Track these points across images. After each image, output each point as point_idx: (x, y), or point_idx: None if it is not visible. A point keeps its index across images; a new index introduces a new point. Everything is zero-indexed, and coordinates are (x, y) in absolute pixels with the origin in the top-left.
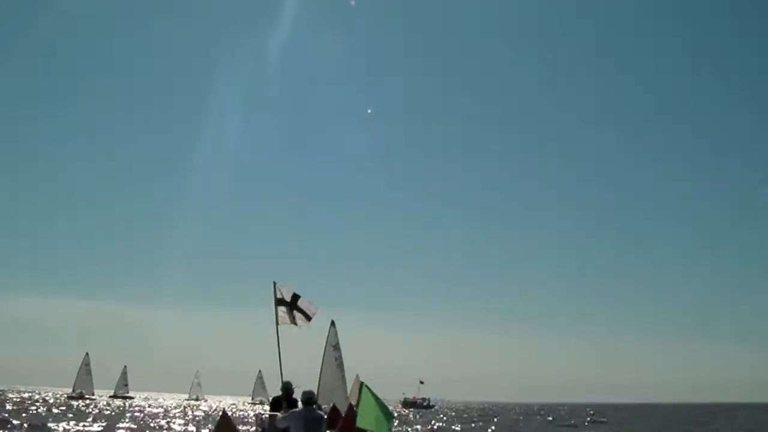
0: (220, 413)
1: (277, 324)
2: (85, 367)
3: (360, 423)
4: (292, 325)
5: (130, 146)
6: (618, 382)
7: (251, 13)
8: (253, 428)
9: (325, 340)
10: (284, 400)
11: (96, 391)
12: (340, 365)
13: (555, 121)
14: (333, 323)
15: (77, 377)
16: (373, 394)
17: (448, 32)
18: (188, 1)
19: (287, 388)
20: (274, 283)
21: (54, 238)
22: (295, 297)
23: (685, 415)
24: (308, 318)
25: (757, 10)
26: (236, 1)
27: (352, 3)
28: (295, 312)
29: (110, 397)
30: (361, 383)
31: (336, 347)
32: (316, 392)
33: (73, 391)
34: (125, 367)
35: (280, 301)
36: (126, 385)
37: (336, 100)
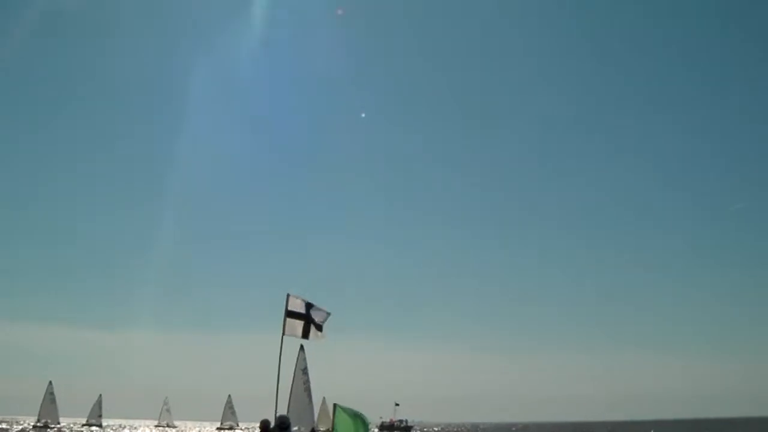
0: None
1: (283, 334)
2: (49, 396)
3: None
4: (292, 338)
5: (102, 164)
6: (606, 399)
7: (229, 15)
8: None
9: (295, 364)
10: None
11: (66, 419)
12: (308, 389)
13: (553, 130)
14: (302, 347)
15: (42, 406)
16: (347, 412)
17: (441, 34)
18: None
19: (283, 421)
20: (288, 295)
21: (23, 261)
22: (309, 306)
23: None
24: (319, 327)
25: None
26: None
27: (340, 12)
28: (310, 326)
29: (83, 425)
30: (334, 405)
31: (305, 371)
32: (276, 413)
33: (38, 420)
34: (100, 396)
35: (291, 314)
36: (100, 416)
37: (330, 103)
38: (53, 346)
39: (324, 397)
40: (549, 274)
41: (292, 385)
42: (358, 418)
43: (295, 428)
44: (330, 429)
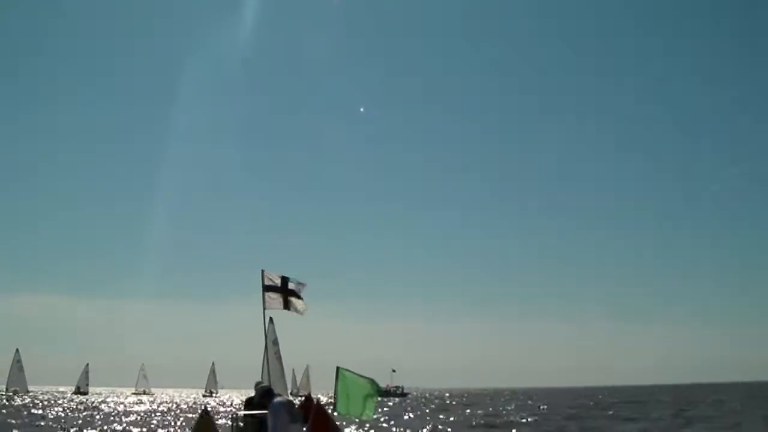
0: (201, 411)
1: (264, 309)
2: (17, 364)
3: (342, 409)
4: (277, 310)
5: (99, 141)
6: (600, 366)
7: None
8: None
9: (264, 336)
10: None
11: (61, 388)
12: (279, 358)
13: (549, 117)
14: (271, 320)
15: (9, 374)
16: (350, 374)
17: (440, 30)
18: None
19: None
20: (262, 271)
21: (18, 234)
22: (284, 280)
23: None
24: (298, 297)
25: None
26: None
27: (336, 1)
28: (290, 298)
29: (73, 393)
30: (337, 368)
31: (275, 342)
32: (256, 383)
33: (7, 389)
34: (87, 365)
35: (268, 288)
36: (87, 384)
37: (327, 96)
38: (32, 316)
39: (307, 365)
40: (548, 244)
41: (264, 355)
42: (365, 380)
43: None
44: (333, 397)
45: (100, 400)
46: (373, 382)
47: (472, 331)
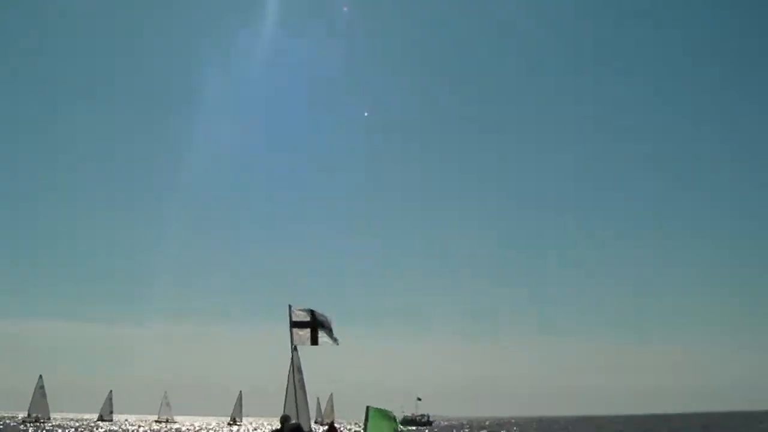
0: None
1: (291, 344)
2: (40, 390)
3: None
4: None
5: (114, 159)
6: (630, 392)
7: (242, 14)
8: None
9: (290, 364)
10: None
11: (85, 416)
12: (302, 387)
13: (555, 123)
14: (295, 348)
15: (32, 400)
16: (380, 413)
17: (445, 35)
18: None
19: (286, 421)
20: (290, 306)
21: (33, 257)
22: (312, 314)
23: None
24: (330, 331)
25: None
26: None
27: (345, 9)
28: (318, 331)
29: (96, 421)
30: (367, 407)
31: (299, 370)
32: (283, 411)
33: (29, 415)
34: (111, 392)
35: (296, 324)
36: (111, 411)
37: (333, 103)
38: (53, 342)
39: (331, 393)
40: (569, 264)
41: (287, 384)
42: (392, 420)
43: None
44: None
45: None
46: (395, 420)
47: (495, 355)
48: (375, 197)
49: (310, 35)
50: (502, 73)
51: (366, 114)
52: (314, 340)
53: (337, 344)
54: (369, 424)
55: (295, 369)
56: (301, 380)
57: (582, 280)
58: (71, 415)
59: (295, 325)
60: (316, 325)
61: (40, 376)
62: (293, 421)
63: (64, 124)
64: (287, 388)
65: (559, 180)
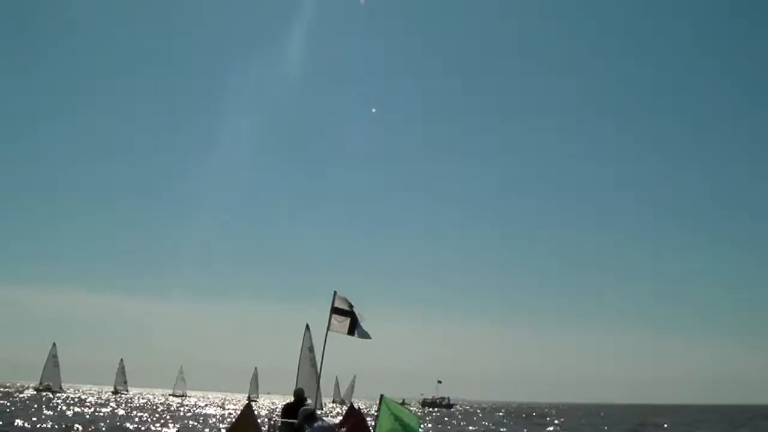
0: (244, 406)
1: (327, 330)
2: (53, 359)
3: None
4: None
5: (142, 142)
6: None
7: (263, 15)
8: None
9: (301, 343)
10: (297, 406)
11: (94, 387)
12: (314, 365)
13: (558, 117)
14: (308, 327)
15: (44, 369)
16: (394, 407)
17: (455, 32)
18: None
19: (300, 395)
20: (335, 293)
21: (57, 230)
22: (352, 307)
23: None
24: (362, 332)
25: None
26: (251, 3)
27: (362, 1)
28: (356, 323)
29: (112, 392)
30: (381, 396)
31: (311, 349)
32: (293, 391)
33: (40, 383)
34: (122, 361)
35: (337, 310)
36: (125, 382)
37: (341, 99)
38: (70, 312)
39: (354, 375)
40: (599, 251)
41: (299, 361)
42: (407, 417)
43: (309, 401)
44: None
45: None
46: (408, 420)
47: (517, 342)
48: (389, 189)
49: (320, 32)
50: (508, 66)
51: (373, 110)
52: (351, 331)
53: (370, 339)
54: (381, 414)
55: (306, 348)
56: (313, 358)
57: (604, 272)
58: (86, 387)
59: (335, 311)
60: (355, 317)
61: (54, 344)
62: (308, 403)
63: (99, 113)
64: (299, 365)
65: (574, 168)
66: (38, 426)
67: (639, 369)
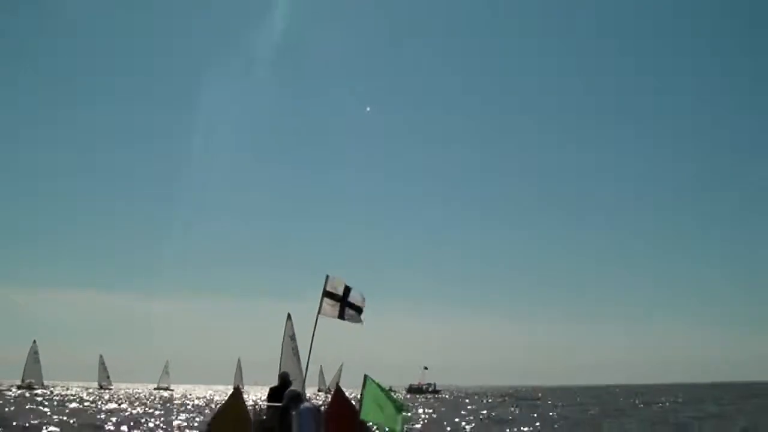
0: (232, 391)
1: (318, 313)
2: (33, 356)
3: (364, 416)
4: (327, 317)
5: (129, 142)
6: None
7: (244, 9)
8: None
9: (283, 331)
10: (282, 389)
11: (78, 383)
12: (296, 354)
13: (557, 113)
14: (289, 316)
15: (25, 366)
16: (379, 387)
17: (447, 29)
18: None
19: (285, 378)
20: (327, 276)
21: (51, 231)
22: (347, 290)
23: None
24: (359, 310)
25: None
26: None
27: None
28: (346, 308)
29: (97, 388)
30: (365, 376)
31: (293, 338)
32: (278, 377)
33: (23, 381)
34: (101, 356)
35: (328, 294)
36: (108, 377)
37: (334, 97)
38: (53, 311)
39: (342, 364)
40: (580, 241)
41: (281, 350)
42: (393, 399)
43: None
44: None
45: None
46: (394, 402)
47: (498, 329)
48: (383, 186)
49: (314, 29)
50: (508, 66)
51: (368, 109)
52: (341, 315)
53: (362, 324)
54: (365, 393)
55: (287, 337)
56: (295, 347)
57: (595, 266)
58: (70, 384)
59: (327, 294)
60: (346, 301)
61: (34, 341)
62: (293, 387)
63: (84, 114)
64: (281, 354)
65: (571, 160)
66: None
67: (630, 352)
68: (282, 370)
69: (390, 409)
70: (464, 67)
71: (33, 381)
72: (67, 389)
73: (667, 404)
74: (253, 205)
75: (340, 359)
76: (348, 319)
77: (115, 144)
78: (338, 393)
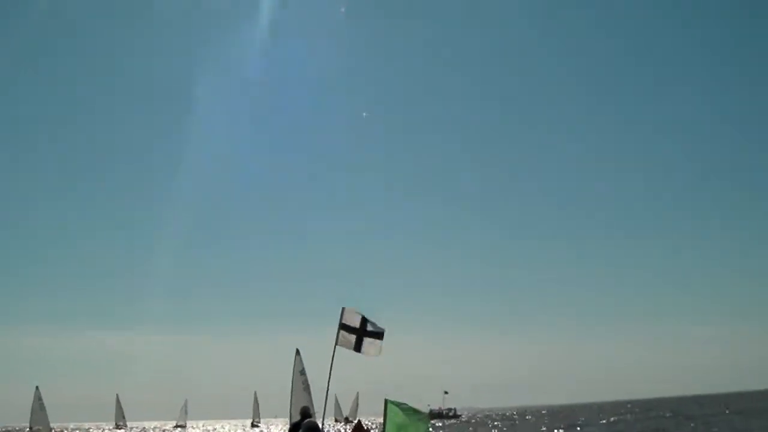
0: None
1: (335, 345)
2: (38, 402)
3: None
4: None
5: (107, 166)
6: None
7: (236, 16)
8: None
9: (293, 367)
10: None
11: (86, 424)
12: (307, 388)
13: (557, 122)
14: (298, 351)
15: (32, 414)
16: (399, 407)
17: (443, 35)
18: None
19: (306, 412)
20: (343, 309)
21: (29, 264)
22: (364, 321)
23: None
24: (379, 336)
25: None
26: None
27: (342, 11)
28: (364, 338)
29: (115, 427)
30: (386, 400)
31: (302, 372)
32: (288, 413)
33: (30, 428)
34: (117, 395)
35: (344, 327)
36: (123, 417)
37: (330, 104)
38: (51, 352)
39: (357, 392)
40: (590, 256)
41: (291, 386)
42: (415, 412)
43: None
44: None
45: None
46: (417, 415)
47: (519, 348)
48: (383, 196)
49: (307, 35)
50: (503, 72)
51: (364, 114)
52: (357, 348)
53: (378, 355)
54: (387, 418)
55: (297, 372)
56: (305, 381)
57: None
58: (87, 425)
59: (343, 327)
60: (363, 333)
61: (37, 387)
62: (312, 419)
63: (59, 127)
64: (291, 390)
65: (570, 169)
66: None
67: (658, 362)
68: (294, 406)
69: (415, 422)
70: (464, 74)
71: (41, 428)
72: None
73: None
74: (264, 232)
75: (356, 387)
76: (364, 352)
77: (101, 165)
78: (359, 427)
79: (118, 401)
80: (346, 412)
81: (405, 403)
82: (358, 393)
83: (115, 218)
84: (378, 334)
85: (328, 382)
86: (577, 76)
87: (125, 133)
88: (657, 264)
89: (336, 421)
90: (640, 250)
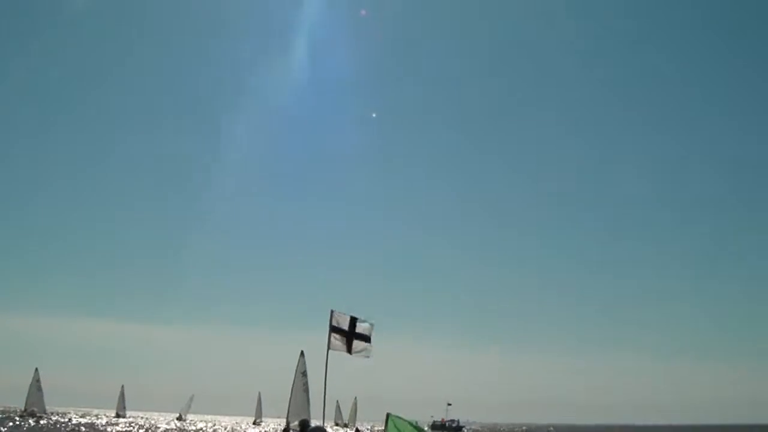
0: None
1: (328, 349)
2: (36, 383)
3: None
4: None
5: (138, 159)
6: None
7: (268, 23)
8: None
9: (295, 368)
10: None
11: (95, 410)
12: (306, 390)
13: (567, 132)
14: (302, 353)
15: (28, 394)
16: (401, 421)
17: (457, 39)
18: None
19: (305, 425)
20: (332, 311)
21: (53, 252)
22: (353, 321)
23: None
24: (367, 339)
25: None
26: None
27: (363, 13)
28: (354, 340)
29: (114, 416)
30: (387, 414)
31: (304, 374)
32: (287, 411)
33: (25, 409)
34: (122, 386)
35: (335, 329)
36: (125, 407)
37: (344, 106)
38: (60, 339)
39: (356, 397)
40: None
41: (292, 387)
42: (415, 429)
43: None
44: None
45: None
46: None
47: (522, 364)
48: (394, 198)
49: (321, 35)
50: (509, 74)
51: (374, 115)
52: (349, 349)
53: (369, 358)
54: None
55: (300, 372)
56: (306, 383)
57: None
58: (96, 411)
59: (333, 330)
60: (353, 335)
61: (36, 369)
62: (313, 425)
63: (99, 124)
64: (292, 391)
65: (574, 179)
66: None
67: (659, 392)
68: (291, 409)
69: None
70: (477, 77)
71: (36, 409)
72: (83, 416)
73: None
74: (274, 234)
75: (357, 393)
76: (356, 354)
77: (133, 170)
78: None
79: (122, 391)
80: (346, 418)
81: (406, 420)
82: (356, 398)
83: (135, 213)
84: (366, 338)
85: (325, 385)
86: (595, 77)
87: (162, 134)
88: (682, 294)
89: (336, 425)
90: (666, 281)
